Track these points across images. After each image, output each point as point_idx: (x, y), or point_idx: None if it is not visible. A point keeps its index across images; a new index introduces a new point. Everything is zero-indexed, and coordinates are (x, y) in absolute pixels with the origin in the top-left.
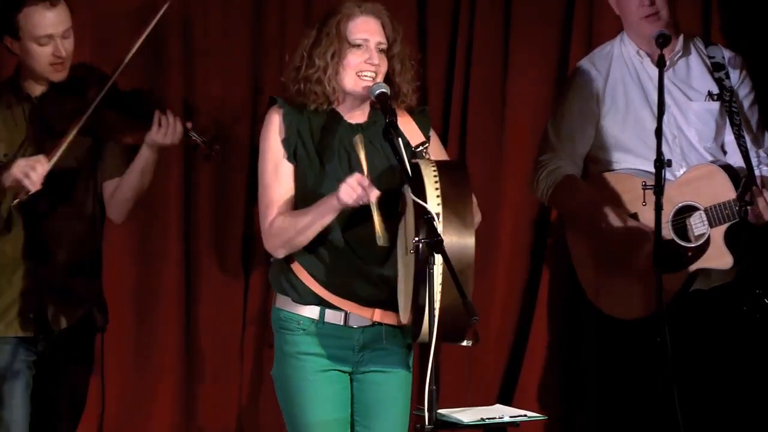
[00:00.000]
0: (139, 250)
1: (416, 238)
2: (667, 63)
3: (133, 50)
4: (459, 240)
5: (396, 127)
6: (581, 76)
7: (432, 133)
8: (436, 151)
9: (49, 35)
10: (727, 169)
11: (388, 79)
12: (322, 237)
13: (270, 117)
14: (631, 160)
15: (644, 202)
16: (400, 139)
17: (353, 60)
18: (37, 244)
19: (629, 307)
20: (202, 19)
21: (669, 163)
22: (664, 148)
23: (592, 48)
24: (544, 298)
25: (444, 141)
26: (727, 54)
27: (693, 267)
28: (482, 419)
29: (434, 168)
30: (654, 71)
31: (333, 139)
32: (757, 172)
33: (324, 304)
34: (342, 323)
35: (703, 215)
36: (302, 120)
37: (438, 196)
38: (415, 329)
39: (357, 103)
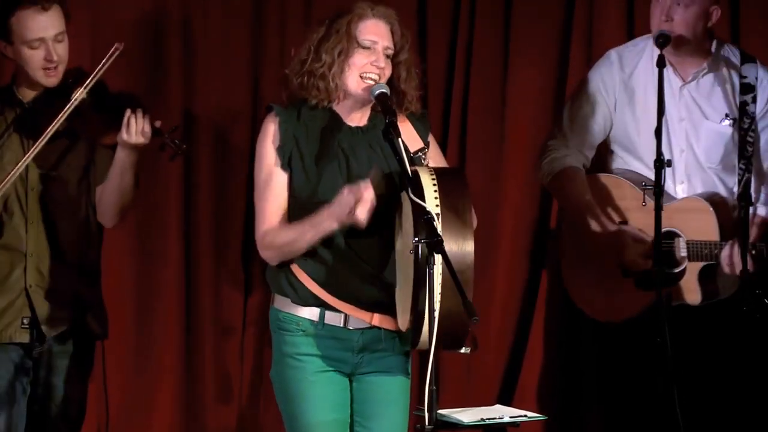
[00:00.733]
0: (139, 250)
1: (416, 239)
2: (690, 78)
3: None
4: (458, 248)
5: (396, 127)
6: (608, 66)
7: (431, 139)
8: (435, 156)
9: (41, 39)
10: (721, 208)
11: (393, 85)
12: (322, 241)
13: (266, 125)
14: (634, 162)
15: (644, 202)
16: (400, 139)
17: (359, 60)
18: (29, 250)
19: (609, 310)
20: (202, 19)
21: (669, 163)
22: (667, 155)
23: (592, 48)
24: (543, 299)
25: (444, 141)
26: (762, 72)
27: (665, 291)
28: (482, 419)
29: (433, 175)
30: (677, 82)
31: (331, 141)
32: (752, 210)
33: (324, 305)
34: (341, 325)
35: (685, 245)
36: (299, 125)
37: (437, 206)
38: (414, 336)
39: (357, 105)
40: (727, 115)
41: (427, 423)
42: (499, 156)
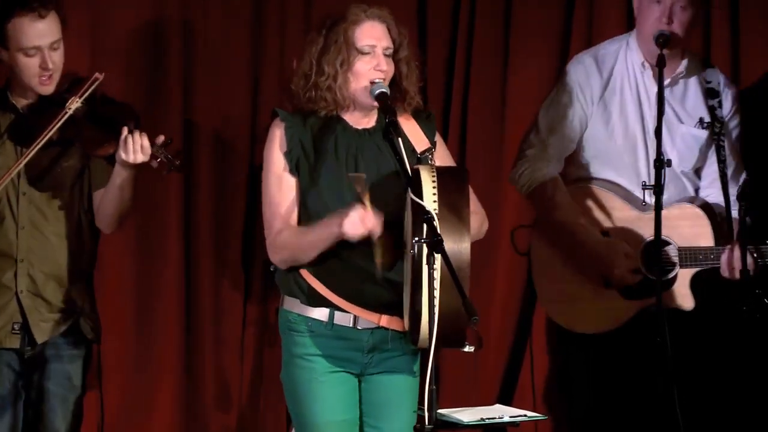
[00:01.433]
0: (139, 250)
1: (416, 238)
2: (669, 81)
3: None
4: (455, 245)
5: (396, 127)
6: (583, 71)
7: (438, 139)
8: (443, 156)
9: (37, 47)
10: (709, 213)
11: (395, 82)
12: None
13: (272, 131)
14: (608, 172)
15: (644, 202)
16: (400, 139)
17: (362, 67)
18: (19, 255)
19: (589, 323)
20: (202, 19)
21: (669, 163)
22: (643, 166)
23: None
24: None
25: (444, 141)
26: (722, 78)
27: (653, 300)
28: (482, 419)
29: (433, 173)
30: (653, 88)
31: (339, 145)
32: (733, 214)
33: (333, 306)
34: (351, 325)
35: (676, 252)
36: (305, 130)
37: (435, 201)
38: (413, 334)
39: (365, 110)
40: (701, 120)
41: (427, 423)
42: (499, 156)
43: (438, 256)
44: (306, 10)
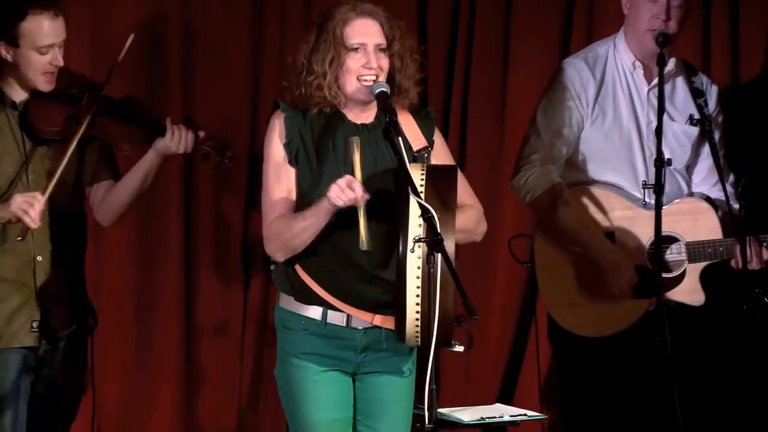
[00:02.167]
0: (139, 250)
1: (416, 236)
2: (657, 81)
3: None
4: None
5: (396, 126)
6: (576, 74)
7: (437, 137)
8: (442, 155)
9: (51, 45)
10: (713, 206)
11: (390, 76)
12: (324, 240)
13: (272, 121)
14: (606, 173)
15: (644, 201)
16: (400, 138)
17: (352, 64)
18: (35, 253)
19: (598, 326)
20: (202, 19)
21: (669, 162)
22: (641, 166)
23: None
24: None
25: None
26: (705, 78)
27: (664, 297)
28: (482, 418)
29: (422, 172)
30: (644, 87)
31: (337, 139)
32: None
33: (326, 305)
34: (344, 324)
35: (683, 248)
36: (305, 122)
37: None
38: (400, 332)
39: (361, 105)
40: (691, 117)
41: (427, 422)
42: (499, 156)
43: (438, 255)
44: (306, 10)
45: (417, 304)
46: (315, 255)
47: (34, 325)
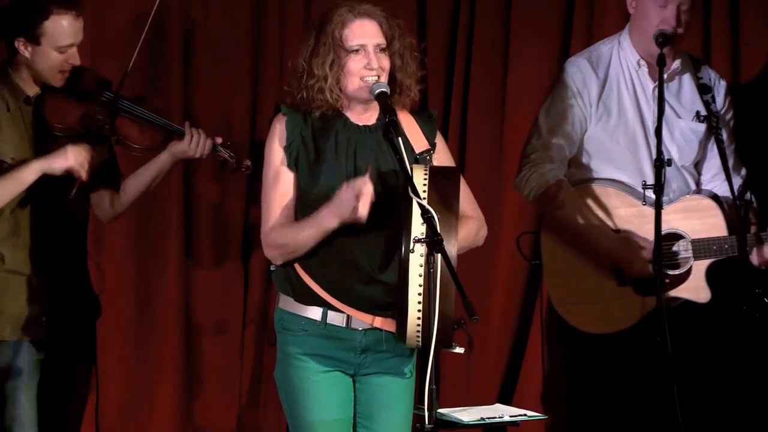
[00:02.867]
0: (139, 250)
1: (416, 236)
2: (665, 77)
3: (138, 48)
4: None
5: (396, 126)
6: (579, 74)
7: (439, 140)
8: (443, 158)
9: (71, 44)
10: (719, 203)
11: (391, 75)
12: (325, 241)
13: (274, 125)
14: (612, 171)
15: (644, 201)
16: (400, 138)
17: (353, 66)
18: (44, 249)
19: (607, 322)
20: (202, 19)
21: (669, 163)
22: (646, 163)
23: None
24: (544, 298)
25: (445, 142)
26: (713, 74)
27: (670, 294)
28: (482, 419)
29: (425, 173)
30: (649, 85)
31: (339, 140)
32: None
33: (326, 305)
34: (344, 325)
35: (689, 245)
36: (306, 124)
37: (424, 199)
38: (401, 333)
39: (363, 106)
40: (698, 113)
41: (427, 422)
42: (499, 156)
43: (438, 256)
44: (306, 10)
45: (419, 302)
46: (315, 256)
47: (42, 319)
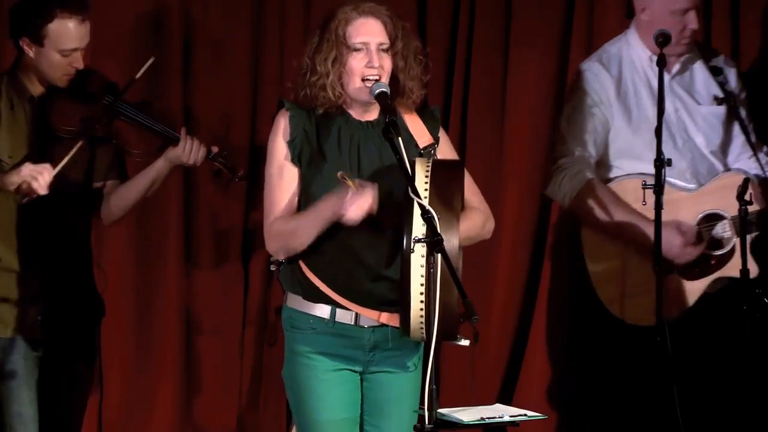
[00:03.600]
0: (139, 250)
1: (415, 236)
2: (678, 67)
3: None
4: (445, 240)
5: (396, 126)
6: (594, 77)
7: (442, 135)
8: (446, 152)
9: (74, 48)
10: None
11: (394, 76)
12: (330, 239)
13: (277, 120)
14: (639, 165)
15: (644, 201)
16: (399, 138)
17: (355, 64)
18: (40, 246)
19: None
20: (202, 19)
21: (669, 162)
22: (675, 153)
23: (592, 46)
24: (544, 298)
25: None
26: (722, 57)
27: (716, 275)
28: (482, 418)
29: (428, 166)
30: (666, 77)
31: (343, 137)
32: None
33: (334, 303)
34: (352, 323)
35: (729, 223)
36: (309, 120)
37: (426, 198)
38: (404, 327)
39: (365, 103)
40: (715, 97)
41: (427, 422)
42: (499, 155)
43: (437, 255)
44: (306, 10)
45: (421, 293)
46: (321, 254)
47: (38, 318)
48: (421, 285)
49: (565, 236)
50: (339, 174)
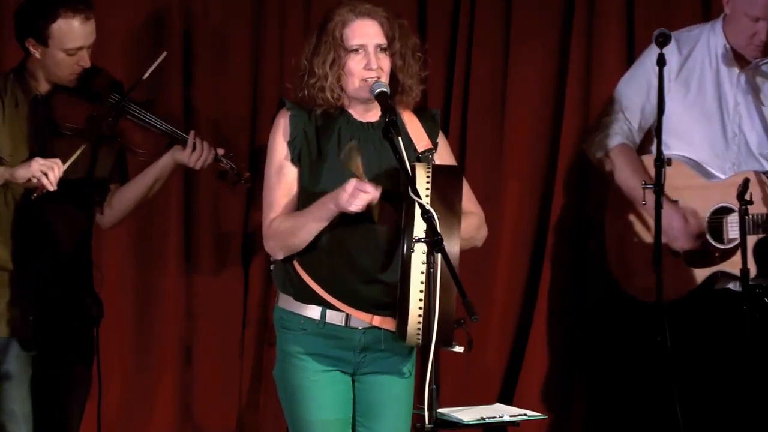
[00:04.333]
0: (139, 250)
1: (416, 236)
2: (753, 64)
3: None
4: (444, 243)
5: (396, 126)
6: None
7: (441, 140)
8: (445, 157)
9: (80, 47)
10: None
11: (393, 75)
12: (324, 240)
13: (277, 120)
14: (682, 146)
15: (644, 201)
16: (399, 138)
17: (354, 66)
18: (35, 246)
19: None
20: (202, 19)
21: (669, 162)
22: (722, 143)
23: (592, 46)
24: (544, 298)
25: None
26: None
27: (717, 268)
28: (482, 418)
29: (428, 171)
30: (735, 69)
31: (343, 138)
32: None
33: (325, 304)
34: (343, 324)
35: (738, 220)
36: (310, 120)
37: (427, 196)
38: (401, 331)
39: (365, 104)
40: None
41: (427, 421)
42: (499, 155)
43: (438, 255)
44: (306, 10)
45: (420, 299)
46: (315, 254)
47: (30, 318)
48: (421, 291)
49: (565, 236)
50: (348, 146)
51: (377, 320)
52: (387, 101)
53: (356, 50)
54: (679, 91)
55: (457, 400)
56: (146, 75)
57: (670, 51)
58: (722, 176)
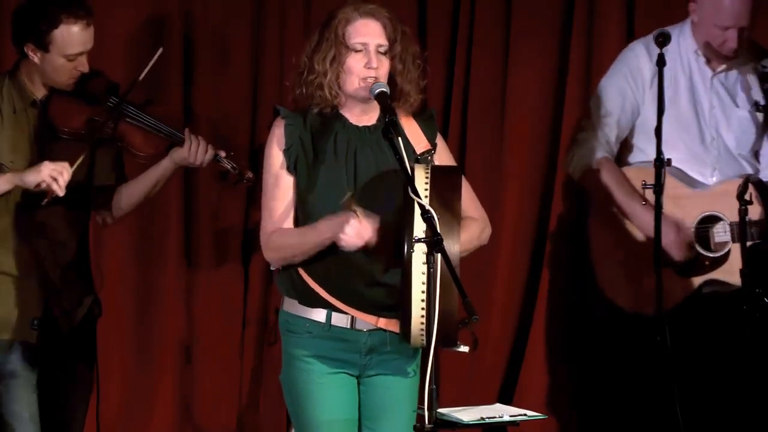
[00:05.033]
0: (139, 250)
1: (416, 237)
2: (725, 66)
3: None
4: (445, 244)
5: (396, 126)
6: (634, 57)
7: (439, 140)
8: (444, 158)
9: (80, 53)
10: (760, 188)
11: (391, 79)
12: (327, 245)
13: (273, 129)
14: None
15: (644, 201)
16: (399, 138)
17: (354, 65)
18: (39, 250)
19: (647, 301)
20: (202, 19)
21: (669, 162)
22: (701, 148)
23: (592, 47)
24: (544, 298)
25: (444, 141)
26: None
27: (708, 276)
28: (482, 418)
29: (427, 172)
30: (708, 72)
31: (339, 142)
32: None
33: (330, 307)
34: (349, 326)
35: (728, 227)
36: (305, 126)
37: (426, 197)
38: (405, 333)
39: (362, 105)
40: (756, 103)
41: (426, 422)
42: (499, 155)
43: (437, 256)
44: (306, 10)
45: (422, 300)
46: (318, 259)
47: (34, 321)
48: (422, 292)
49: (565, 236)
50: (344, 199)
51: (382, 322)
52: (387, 101)
53: (358, 49)
54: (654, 99)
55: (457, 400)
56: (142, 75)
57: (644, 59)
58: (704, 181)
